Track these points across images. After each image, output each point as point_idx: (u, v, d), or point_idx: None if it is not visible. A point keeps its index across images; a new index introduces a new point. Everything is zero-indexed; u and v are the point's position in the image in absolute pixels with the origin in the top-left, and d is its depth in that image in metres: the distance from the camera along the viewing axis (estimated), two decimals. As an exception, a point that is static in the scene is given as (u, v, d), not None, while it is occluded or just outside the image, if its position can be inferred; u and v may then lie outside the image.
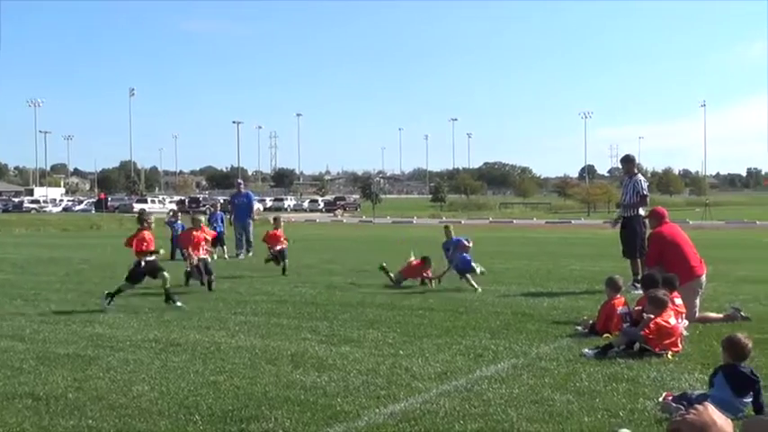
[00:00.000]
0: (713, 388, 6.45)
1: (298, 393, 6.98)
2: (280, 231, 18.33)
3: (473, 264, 14.54)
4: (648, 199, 14.95)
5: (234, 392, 7.05)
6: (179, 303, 12.46)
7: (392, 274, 15.37)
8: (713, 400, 5.48)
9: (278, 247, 17.98)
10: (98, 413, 6.43)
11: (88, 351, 9.01)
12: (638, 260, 14.05)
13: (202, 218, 17.08)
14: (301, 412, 6.37)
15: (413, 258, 15.67)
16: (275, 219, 19.89)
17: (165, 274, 12.72)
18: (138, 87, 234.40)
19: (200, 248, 15.10)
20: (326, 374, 7.70)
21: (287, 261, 17.77)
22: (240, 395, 6.96)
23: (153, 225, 13.40)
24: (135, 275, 12.81)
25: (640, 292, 10.99)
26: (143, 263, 12.78)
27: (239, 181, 26.12)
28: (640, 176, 14.98)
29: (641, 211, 14.60)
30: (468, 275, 14.30)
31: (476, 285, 14.05)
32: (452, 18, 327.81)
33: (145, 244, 12.81)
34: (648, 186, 15.17)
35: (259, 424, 6.09)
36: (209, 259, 15.35)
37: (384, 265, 15.81)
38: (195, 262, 14.90)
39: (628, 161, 15.32)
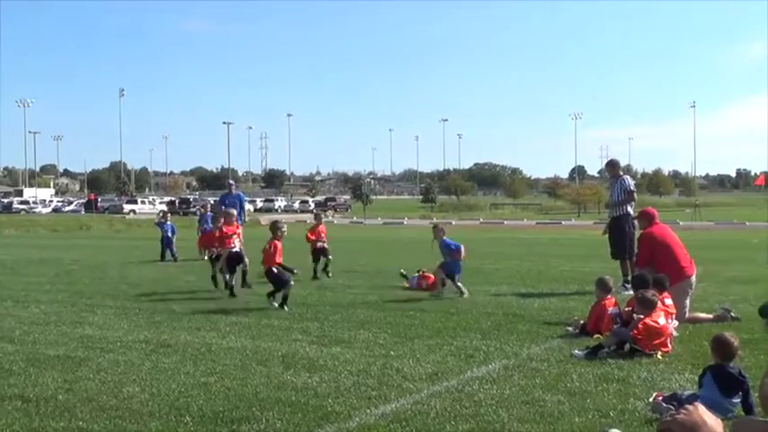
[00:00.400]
0: (702, 388, 6.48)
1: (289, 394, 6.98)
2: (322, 227, 17.45)
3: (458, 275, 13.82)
4: (635, 195, 15.04)
5: (225, 394, 7.05)
6: (275, 304, 12.23)
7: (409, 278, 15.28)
8: (702, 400, 5.49)
9: (318, 244, 17.16)
10: (88, 415, 6.41)
11: (78, 352, 8.99)
12: (628, 261, 14.09)
13: (233, 211, 15.90)
14: (292, 413, 6.37)
15: (426, 272, 15.29)
16: (317, 215, 18.87)
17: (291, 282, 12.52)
18: (127, 88, 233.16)
19: (231, 242, 14.43)
20: (317, 375, 7.70)
21: (330, 258, 17.08)
22: (231, 396, 6.95)
23: (285, 235, 13.18)
24: (277, 279, 12.52)
25: (631, 292, 11.04)
26: (275, 269, 12.54)
27: (231, 182, 25.92)
28: (626, 176, 15.11)
29: (630, 209, 14.68)
30: (456, 279, 13.74)
31: (462, 288, 13.54)
32: (443, 19, 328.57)
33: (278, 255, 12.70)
34: (635, 185, 15.29)
35: (250, 425, 6.09)
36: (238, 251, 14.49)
37: (403, 271, 15.79)
38: (225, 254, 14.30)
39: (612, 165, 15.50)
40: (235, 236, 14.62)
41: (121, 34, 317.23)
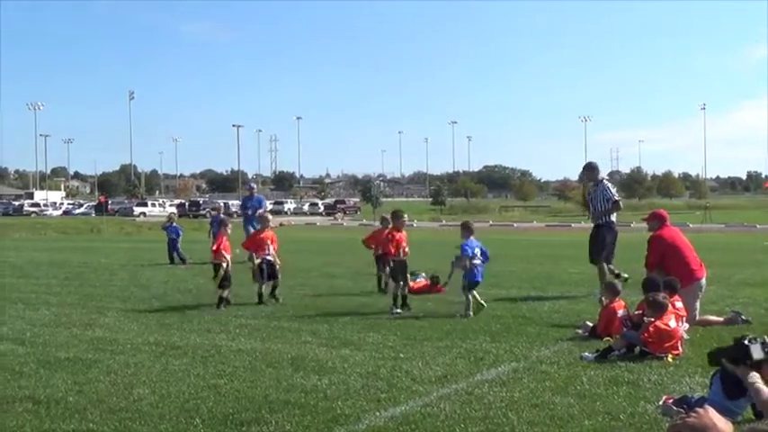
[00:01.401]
0: (711, 391, 6.45)
1: (298, 396, 6.99)
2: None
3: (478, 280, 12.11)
4: (621, 203, 14.56)
5: (234, 396, 7.06)
6: (398, 310, 12.00)
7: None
8: (709, 403, 5.47)
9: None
10: (98, 416, 6.43)
11: (89, 354, 9.02)
12: (603, 266, 13.95)
13: (270, 217, 15.36)
14: (302, 415, 6.38)
15: (420, 280, 15.16)
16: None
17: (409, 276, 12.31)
18: (137, 90, 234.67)
19: (266, 248, 13.87)
20: (327, 377, 7.71)
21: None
22: (241, 398, 6.96)
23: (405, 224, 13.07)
24: (395, 274, 12.46)
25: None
26: (393, 262, 12.50)
27: (252, 185, 25.76)
28: (606, 182, 14.61)
29: (613, 218, 14.43)
30: (474, 291, 11.97)
31: (473, 308, 11.82)
32: (452, 20, 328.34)
33: (397, 244, 12.62)
34: (617, 191, 14.70)
35: (259, 427, 6.10)
36: (277, 261, 13.91)
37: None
38: (258, 262, 13.67)
39: (591, 169, 14.76)
40: (270, 242, 13.98)
41: (131, 37, 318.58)
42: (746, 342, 5.73)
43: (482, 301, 11.99)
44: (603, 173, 15.02)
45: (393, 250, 12.75)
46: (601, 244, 14.09)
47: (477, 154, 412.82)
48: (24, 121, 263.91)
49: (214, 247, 13.60)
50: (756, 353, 5.68)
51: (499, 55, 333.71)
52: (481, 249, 12.13)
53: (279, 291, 13.75)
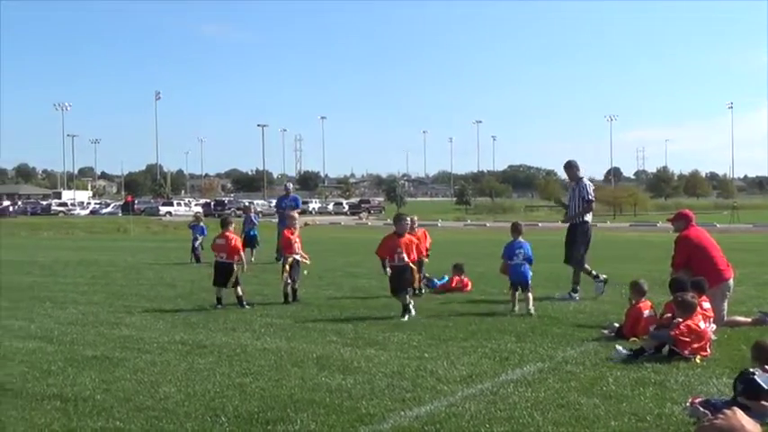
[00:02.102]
0: (736, 393, 6.38)
1: (323, 396, 7.00)
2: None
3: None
4: (593, 204, 14.39)
5: (259, 395, 7.08)
6: (412, 313, 11.69)
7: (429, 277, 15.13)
8: (735, 404, 5.42)
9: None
10: (125, 414, 6.48)
11: (116, 353, 9.09)
12: (579, 269, 13.93)
13: (295, 215, 15.30)
14: (326, 415, 6.39)
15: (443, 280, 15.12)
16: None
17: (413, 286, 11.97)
18: (163, 91, 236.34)
19: (293, 248, 13.71)
20: (352, 377, 7.71)
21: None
22: (266, 397, 6.98)
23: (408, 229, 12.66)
24: (392, 284, 12.08)
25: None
26: (391, 269, 12.04)
27: (288, 184, 25.79)
28: (586, 181, 14.40)
29: (587, 217, 14.31)
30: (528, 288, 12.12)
31: (531, 306, 11.90)
32: (475, 19, 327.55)
33: (390, 250, 12.11)
34: (594, 191, 14.52)
35: (284, 426, 6.11)
36: (299, 260, 13.82)
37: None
38: (290, 261, 13.55)
39: (570, 167, 14.61)
40: (297, 241, 13.87)
41: (157, 38, 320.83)
42: (753, 377, 6.08)
43: (515, 308, 11.99)
44: (583, 172, 14.84)
45: (391, 255, 12.11)
46: (577, 246, 14.07)
47: (502, 153, 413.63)
48: (52, 122, 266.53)
49: (236, 251, 13.54)
50: (766, 382, 6.00)
51: (524, 54, 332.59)
52: (525, 251, 12.39)
53: (299, 293, 13.73)
